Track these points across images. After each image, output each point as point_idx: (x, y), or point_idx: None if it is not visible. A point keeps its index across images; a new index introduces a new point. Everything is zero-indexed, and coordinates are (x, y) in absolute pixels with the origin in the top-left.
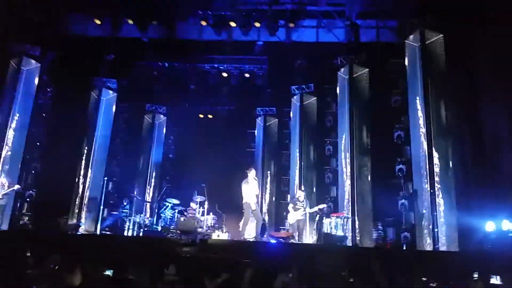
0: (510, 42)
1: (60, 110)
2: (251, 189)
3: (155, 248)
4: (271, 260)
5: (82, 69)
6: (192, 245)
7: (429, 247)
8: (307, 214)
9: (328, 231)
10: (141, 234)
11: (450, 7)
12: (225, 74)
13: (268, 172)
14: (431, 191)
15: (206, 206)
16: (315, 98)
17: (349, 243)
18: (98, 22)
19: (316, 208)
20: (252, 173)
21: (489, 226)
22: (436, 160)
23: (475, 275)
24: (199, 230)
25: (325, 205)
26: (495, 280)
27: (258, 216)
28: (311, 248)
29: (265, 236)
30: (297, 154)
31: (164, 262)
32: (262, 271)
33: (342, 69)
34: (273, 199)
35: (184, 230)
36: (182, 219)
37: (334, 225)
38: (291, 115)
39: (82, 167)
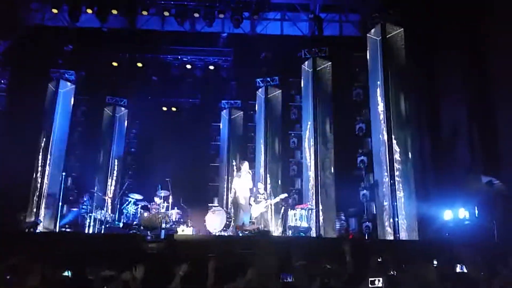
0: (468, 35)
1: (15, 102)
2: (243, 184)
3: (119, 245)
4: (238, 253)
5: (39, 59)
6: (158, 241)
7: (390, 236)
8: (271, 206)
9: (293, 223)
10: (102, 231)
11: (411, 2)
12: (189, 66)
13: (234, 165)
14: (391, 181)
15: (170, 200)
16: (280, 90)
17: (313, 234)
18: (55, 11)
19: (277, 199)
20: (245, 166)
21: (447, 214)
22: (395, 152)
23: (435, 262)
24: (164, 225)
25: (285, 195)
26: (459, 268)
27: (246, 210)
28: (279, 240)
29: (230, 229)
30: (262, 147)
31: (128, 260)
32: (229, 264)
33: (306, 62)
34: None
35: (149, 226)
36: (145, 214)
37: (299, 217)
38: (256, 107)
39: (40, 162)
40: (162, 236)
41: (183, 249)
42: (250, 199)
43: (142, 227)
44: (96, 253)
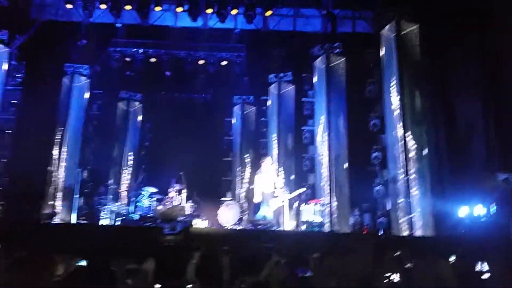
0: (482, 32)
1: (30, 97)
2: (263, 179)
3: (135, 237)
4: (255, 247)
5: (53, 55)
6: (175, 234)
7: (404, 233)
8: (286, 201)
9: (306, 218)
10: (118, 223)
11: None
12: (201, 62)
13: (246, 160)
14: (406, 177)
15: (184, 194)
16: (293, 86)
17: (327, 229)
18: (69, 6)
19: (296, 193)
20: (266, 162)
21: (463, 211)
22: (410, 148)
23: (452, 258)
24: (180, 218)
25: (304, 189)
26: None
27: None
28: (294, 234)
29: (243, 223)
30: (275, 142)
31: (145, 252)
32: (247, 258)
33: (319, 58)
34: (251, 187)
35: (165, 219)
36: (159, 207)
37: (312, 212)
38: (269, 103)
39: (55, 155)
40: (179, 229)
41: (199, 241)
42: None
43: (158, 220)
44: (114, 245)
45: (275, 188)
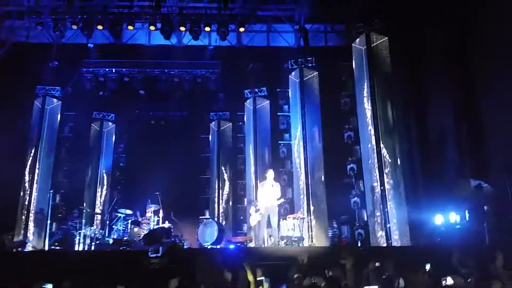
0: (452, 40)
1: (1, 120)
2: (264, 193)
3: (111, 261)
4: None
5: (25, 77)
6: (159, 256)
7: (382, 243)
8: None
9: (285, 233)
10: (92, 248)
11: (394, 11)
12: (176, 79)
13: (224, 176)
14: (381, 188)
15: (161, 214)
16: (268, 101)
17: (306, 243)
18: (40, 27)
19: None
20: (269, 175)
21: (438, 219)
22: (384, 158)
23: (427, 267)
24: (164, 240)
25: (281, 200)
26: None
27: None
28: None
29: (222, 242)
30: (252, 157)
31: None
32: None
33: (293, 73)
34: (230, 203)
35: (150, 240)
36: (135, 229)
37: (291, 226)
38: (245, 118)
39: (27, 179)
40: (162, 251)
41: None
42: (250, 209)
43: (133, 243)
44: (90, 270)
45: (257, 202)
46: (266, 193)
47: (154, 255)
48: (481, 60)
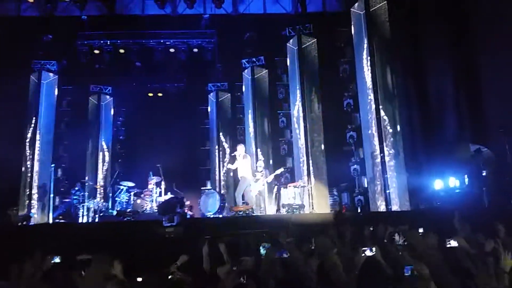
0: (452, 3)
1: None
2: (239, 166)
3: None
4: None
5: (19, 52)
6: (175, 226)
7: (382, 208)
8: (265, 184)
9: (287, 201)
10: (96, 220)
11: None
12: (172, 50)
13: (224, 147)
14: (381, 154)
15: (163, 186)
16: (266, 70)
17: (307, 210)
18: (31, 0)
19: (273, 176)
20: (239, 150)
21: (437, 184)
22: (384, 125)
23: (421, 230)
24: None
25: (281, 169)
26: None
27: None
28: (275, 218)
29: (224, 211)
30: (252, 128)
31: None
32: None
33: (291, 40)
34: (231, 173)
35: (165, 210)
36: (138, 201)
37: (292, 195)
38: (243, 89)
39: (28, 155)
40: (177, 221)
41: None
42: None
43: (157, 212)
44: (97, 241)
45: (256, 172)
46: (240, 167)
47: (169, 225)
48: (480, 23)
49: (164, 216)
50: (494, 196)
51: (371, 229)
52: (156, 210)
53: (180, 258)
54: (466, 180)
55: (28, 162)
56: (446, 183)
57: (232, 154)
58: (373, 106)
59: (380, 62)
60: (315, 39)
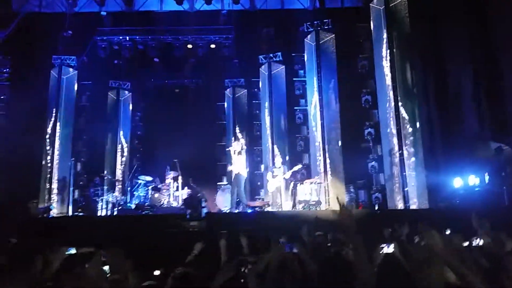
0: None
1: (18, 91)
2: (234, 163)
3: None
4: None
5: (40, 47)
6: (199, 219)
7: (400, 206)
8: (283, 180)
9: (303, 197)
10: (115, 213)
11: None
12: (190, 46)
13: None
14: (400, 151)
15: (180, 181)
16: (283, 66)
17: (323, 207)
18: None
19: (290, 172)
20: (233, 147)
21: (457, 182)
22: (403, 121)
23: (448, 231)
24: (204, 204)
25: (299, 166)
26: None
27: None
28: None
29: (240, 206)
30: (268, 124)
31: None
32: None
33: (309, 36)
34: (247, 169)
35: (190, 205)
36: (156, 195)
37: (308, 191)
38: (260, 85)
39: (48, 149)
40: (203, 215)
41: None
42: (267, 174)
43: (183, 206)
44: (115, 234)
45: (274, 168)
46: (235, 163)
47: (194, 219)
48: (501, 19)
49: (191, 210)
50: None
51: (390, 227)
52: (180, 205)
53: (196, 246)
54: (487, 178)
55: (48, 156)
56: (465, 181)
57: (227, 149)
58: (392, 103)
59: (400, 58)
60: (333, 35)
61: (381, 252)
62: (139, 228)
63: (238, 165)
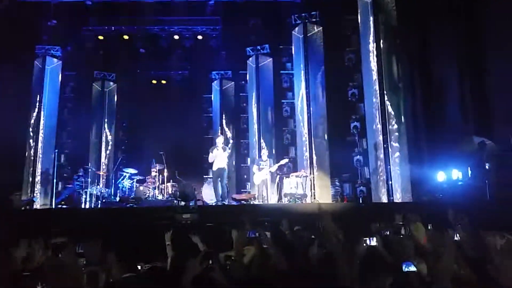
0: None
1: (1, 81)
2: (217, 157)
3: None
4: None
5: (23, 36)
6: (191, 211)
7: (384, 200)
8: (269, 174)
9: (289, 190)
10: (99, 206)
11: None
12: (176, 37)
13: (227, 136)
14: (385, 145)
15: (165, 173)
16: (271, 59)
17: (309, 200)
18: None
19: (277, 166)
20: (220, 140)
21: (440, 176)
22: (389, 115)
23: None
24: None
25: (286, 160)
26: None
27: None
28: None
29: (226, 200)
30: (255, 117)
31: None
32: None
33: (297, 28)
34: (233, 162)
35: (183, 196)
36: (141, 188)
37: (294, 184)
38: (247, 77)
39: (31, 140)
40: (194, 206)
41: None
42: (253, 167)
43: (176, 198)
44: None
45: (261, 161)
46: (218, 158)
47: (185, 211)
48: (487, 15)
49: (185, 202)
50: (497, 189)
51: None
52: (167, 197)
53: (166, 237)
54: (469, 172)
55: (32, 148)
56: (449, 175)
57: (216, 139)
58: (378, 97)
59: (386, 51)
60: (321, 27)
61: (364, 245)
62: (123, 220)
63: (221, 159)
